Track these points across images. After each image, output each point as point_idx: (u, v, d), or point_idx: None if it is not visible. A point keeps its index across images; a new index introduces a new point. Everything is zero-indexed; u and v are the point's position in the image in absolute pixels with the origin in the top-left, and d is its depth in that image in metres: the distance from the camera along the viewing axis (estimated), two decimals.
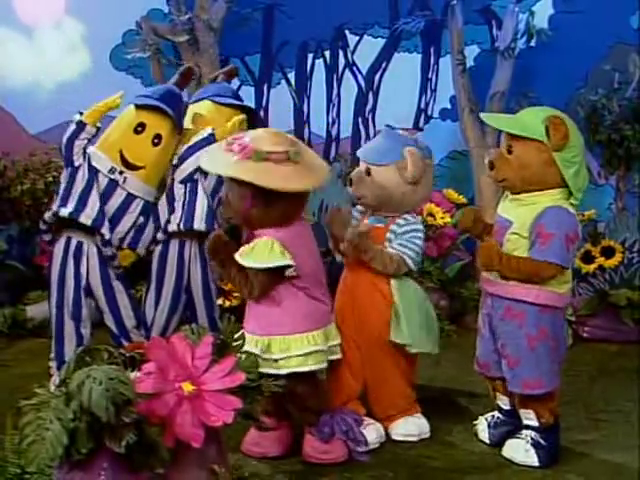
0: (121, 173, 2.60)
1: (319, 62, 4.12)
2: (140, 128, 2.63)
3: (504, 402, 2.36)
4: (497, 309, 2.27)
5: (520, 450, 2.23)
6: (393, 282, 2.36)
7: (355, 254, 2.33)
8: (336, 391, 2.34)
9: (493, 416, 2.37)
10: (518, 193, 2.25)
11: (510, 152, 2.24)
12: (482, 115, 2.49)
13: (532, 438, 2.24)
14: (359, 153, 2.48)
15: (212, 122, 2.72)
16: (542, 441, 2.23)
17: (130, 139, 2.62)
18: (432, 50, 4.04)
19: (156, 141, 2.63)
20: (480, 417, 2.40)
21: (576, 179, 2.22)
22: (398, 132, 2.45)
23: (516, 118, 2.31)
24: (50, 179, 3.71)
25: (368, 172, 2.38)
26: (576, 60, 3.71)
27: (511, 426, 2.33)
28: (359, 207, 2.48)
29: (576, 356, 3.18)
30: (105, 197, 2.60)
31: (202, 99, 2.86)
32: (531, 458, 2.22)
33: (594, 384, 2.91)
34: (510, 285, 2.21)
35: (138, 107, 2.66)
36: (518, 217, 2.22)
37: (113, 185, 2.61)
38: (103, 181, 2.61)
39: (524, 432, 2.27)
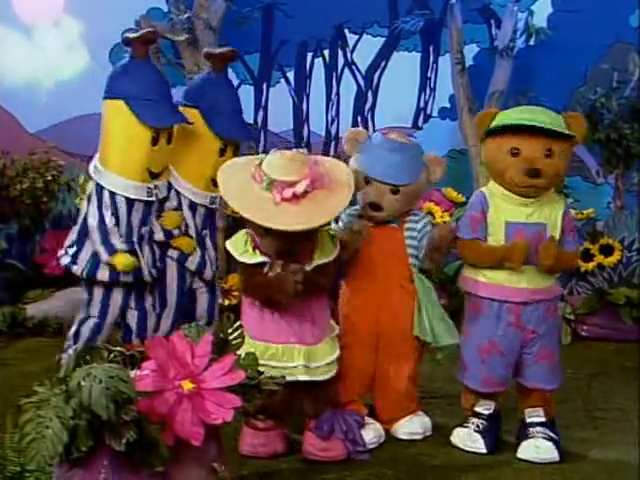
0: (155, 187, 2.56)
1: (318, 61, 4.13)
2: (156, 136, 2.49)
3: (486, 407, 2.33)
4: (534, 312, 2.25)
5: (541, 449, 2.22)
6: (416, 279, 2.36)
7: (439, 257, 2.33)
8: (341, 391, 2.33)
9: (477, 425, 2.32)
10: (531, 197, 2.23)
11: (548, 155, 2.20)
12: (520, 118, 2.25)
13: (546, 434, 2.24)
14: (374, 173, 2.30)
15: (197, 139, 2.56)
16: (554, 435, 2.25)
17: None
18: (431, 49, 4.05)
19: (169, 137, 2.54)
20: (458, 429, 2.33)
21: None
22: (406, 143, 2.38)
23: (549, 117, 2.22)
24: (49, 178, 3.71)
25: (394, 192, 2.31)
26: (575, 59, 3.73)
27: (497, 429, 2.33)
28: (355, 209, 2.42)
29: (575, 354, 3.19)
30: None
31: (116, 96, 2.52)
32: (552, 454, 2.22)
33: (593, 382, 2.91)
34: (550, 286, 2.27)
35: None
36: (549, 218, 2.24)
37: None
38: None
39: (532, 430, 2.26)
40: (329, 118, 4.11)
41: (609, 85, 3.71)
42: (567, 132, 2.19)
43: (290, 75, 4.15)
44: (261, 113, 4.14)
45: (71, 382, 1.54)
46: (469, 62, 3.85)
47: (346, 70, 4.12)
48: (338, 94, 4.11)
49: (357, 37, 4.09)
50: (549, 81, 3.80)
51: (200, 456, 1.72)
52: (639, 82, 3.77)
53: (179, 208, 2.64)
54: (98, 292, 2.58)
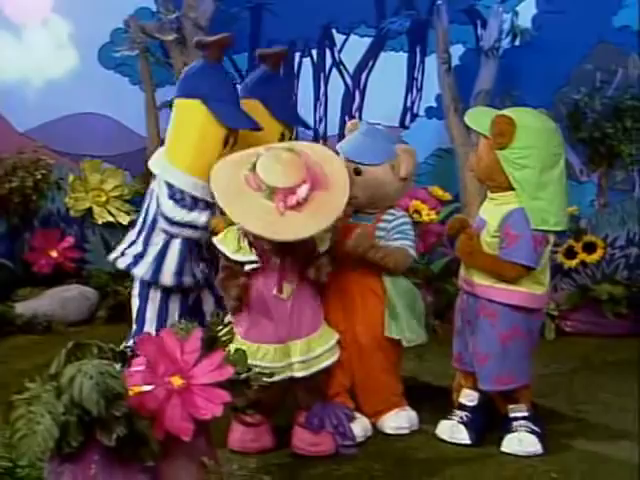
0: None
1: (306, 61, 4.13)
2: (228, 138, 2.53)
3: (470, 398, 2.37)
4: (472, 306, 2.31)
5: (524, 442, 2.25)
6: (385, 278, 2.38)
7: (366, 256, 2.30)
8: (326, 385, 2.35)
9: (461, 417, 2.35)
10: (496, 192, 2.29)
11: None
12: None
13: (529, 428, 2.27)
14: (344, 152, 2.38)
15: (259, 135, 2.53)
16: (537, 428, 2.28)
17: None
18: (418, 49, 4.07)
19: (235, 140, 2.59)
20: (443, 421, 2.36)
21: (526, 184, 2.20)
22: (381, 129, 2.47)
23: (479, 113, 2.38)
24: (39, 177, 3.71)
25: (357, 172, 2.34)
26: (559, 59, 3.75)
27: (482, 421, 2.36)
28: None
29: (558, 349, 3.23)
30: None
31: (191, 96, 2.57)
32: (535, 447, 2.25)
33: (576, 376, 2.95)
34: (484, 285, 2.27)
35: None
36: (491, 217, 2.27)
37: None
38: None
39: (515, 424, 2.29)
40: (317, 117, 4.12)
41: (592, 85, 3.73)
42: (472, 126, 2.32)
43: None
44: None
45: (62, 378, 1.55)
46: (455, 62, 3.86)
47: (334, 70, 4.13)
48: (326, 94, 4.12)
49: (344, 37, 4.10)
50: (534, 81, 3.82)
51: (190, 451, 1.72)
52: (624, 81, 3.80)
53: None
54: (154, 297, 2.57)
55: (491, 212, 2.29)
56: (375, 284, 2.39)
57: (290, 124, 2.79)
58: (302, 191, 2.02)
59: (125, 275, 3.75)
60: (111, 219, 3.84)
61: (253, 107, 2.63)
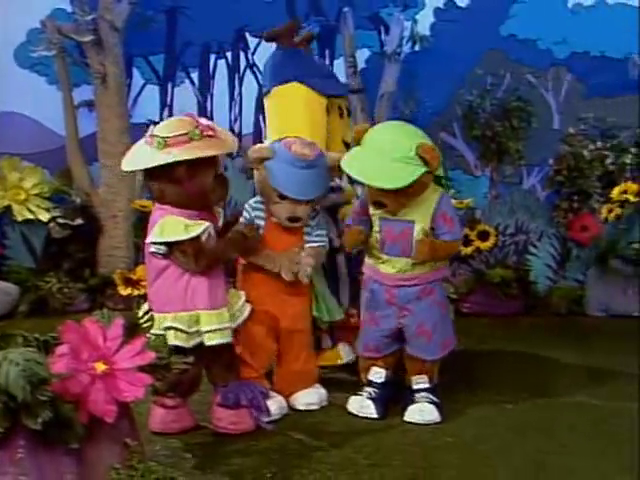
0: None
1: (221, 62, 4.17)
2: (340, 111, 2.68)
3: (379, 376, 2.49)
4: (408, 296, 2.40)
5: (424, 412, 2.39)
6: None
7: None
8: (246, 367, 2.42)
9: (369, 393, 2.46)
10: (415, 197, 2.35)
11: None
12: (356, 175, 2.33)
13: (429, 398, 2.42)
14: (297, 195, 2.37)
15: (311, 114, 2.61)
16: (436, 399, 2.43)
17: (340, 123, 2.69)
18: (327, 53, 4.17)
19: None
20: (353, 397, 2.47)
21: (444, 179, 2.46)
22: (314, 158, 2.39)
23: (393, 169, 2.25)
24: None
25: (309, 201, 2.42)
26: (454, 64, 3.93)
27: (388, 396, 2.48)
28: (256, 201, 2.47)
29: (458, 329, 3.39)
30: None
31: (287, 80, 2.65)
32: (434, 415, 2.39)
33: (471, 352, 3.10)
34: (425, 272, 2.40)
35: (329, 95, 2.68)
36: (418, 215, 2.36)
37: None
38: None
39: (417, 395, 2.43)
40: (232, 116, 4.17)
41: (483, 88, 3.93)
42: (399, 185, 2.23)
43: (194, 75, 4.18)
44: (166, 111, 4.15)
45: None
46: (361, 65, 3.99)
47: (248, 71, 4.19)
48: (240, 94, 4.17)
49: (257, 40, 4.15)
50: (432, 84, 3.99)
51: (113, 433, 1.75)
52: (511, 85, 4.02)
53: None
54: None
55: (413, 212, 2.35)
56: None
57: (339, 95, 2.74)
58: (194, 133, 2.12)
59: (46, 270, 3.70)
60: (31, 216, 3.76)
61: (295, 90, 2.64)
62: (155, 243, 2.19)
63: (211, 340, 2.20)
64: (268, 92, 2.71)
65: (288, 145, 2.39)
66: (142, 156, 2.17)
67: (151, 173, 2.18)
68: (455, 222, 2.42)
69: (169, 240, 2.16)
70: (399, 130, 2.36)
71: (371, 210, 2.41)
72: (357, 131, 2.39)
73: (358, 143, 2.36)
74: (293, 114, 2.62)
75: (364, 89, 3.40)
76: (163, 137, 2.12)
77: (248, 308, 2.33)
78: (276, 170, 2.36)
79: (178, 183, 2.14)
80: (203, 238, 2.19)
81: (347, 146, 2.62)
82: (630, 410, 2.45)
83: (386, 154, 2.26)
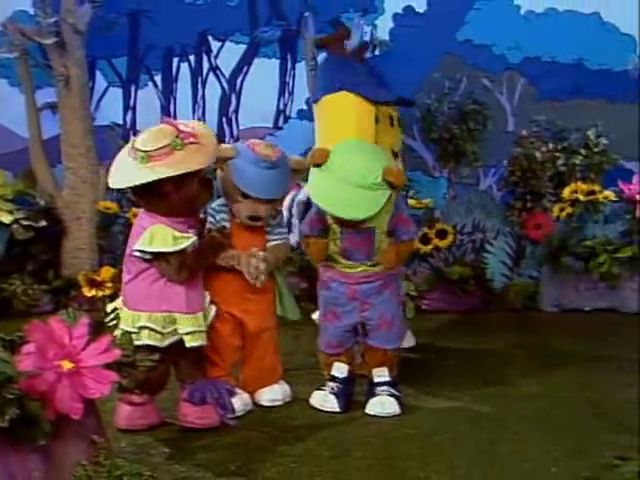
0: None
1: (184, 65, 4.18)
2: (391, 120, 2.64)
3: (341, 371, 2.54)
4: (369, 290, 2.46)
5: (385, 404, 2.45)
6: None
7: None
8: (213, 365, 2.44)
9: (332, 387, 2.51)
10: None
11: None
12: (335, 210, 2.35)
13: (390, 392, 2.47)
14: (261, 194, 2.39)
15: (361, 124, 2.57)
16: (396, 392, 2.49)
17: (389, 132, 2.64)
18: (289, 56, 4.22)
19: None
20: (316, 392, 2.52)
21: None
22: (276, 159, 2.41)
23: (361, 198, 2.28)
24: None
25: (271, 201, 2.44)
26: (413, 68, 4.01)
27: (350, 391, 2.54)
28: (220, 204, 2.48)
29: (417, 325, 3.46)
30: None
31: (337, 88, 2.61)
32: (394, 408, 2.45)
33: (429, 347, 3.18)
34: (388, 270, 2.46)
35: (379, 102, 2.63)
36: (377, 222, 2.41)
37: None
38: None
39: (379, 389, 2.48)
40: (195, 119, 4.18)
41: (441, 91, 4.01)
42: (369, 214, 2.30)
43: (158, 78, 4.18)
44: (130, 114, 4.14)
45: None
46: None
47: (211, 74, 4.21)
48: (204, 97, 4.19)
49: (220, 44, 4.18)
50: (392, 87, 4.02)
51: (80, 430, 1.77)
52: (467, 88, 4.12)
53: None
54: None
55: (373, 219, 2.38)
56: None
57: (389, 103, 2.70)
58: (186, 127, 2.14)
59: (10, 272, 3.67)
60: None
61: (344, 99, 2.60)
62: (142, 251, 2.21)
63: (191, 342, 2.24)
64: (317, 100, 2.70)
65: (252, 146, 2.42)
66: (127, 172, 2.16)
67: (136, 188, 2.19)
68: (410, 221, 2.52)
69: (156, 251, 2.19)
70: (364, 156, 2.36)
71: (330, 220, 2.44)
72: (316, 156, 2.35)
73: (318, 166, 2.34)
74: (342, 123, 2.61)
75: (413, 102, 3.42)
76: (145, 151, 2.12)
77: (213, 309, 2.37)
78: (240, 169, 2.38)
79: (165, 196, 2.17)
80: (188, 250, 2.22)
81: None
82: (578, 399, 2.54)
83: (353, 183, 2.28)
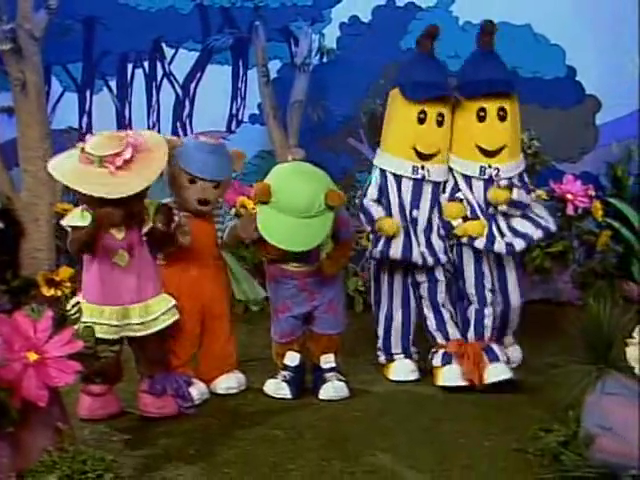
0: (423, 168, 2.67)
1: (139, 71, 4.23)
2: (422, 116, 2.67)
3: (293, 359, 2.64)
4: (318, 282, 2.59)
5: (337, 388, 2.58)
6: (224, 253, 2.63)
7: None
8: (173, 354, 2.53)
9: (284, 376, 2.62)
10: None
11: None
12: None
13: (338, 377, 2.60)
14: (208, 176, 2.50)
15: None
16: (342, 377, 2.62)
17: (477, 127, 2.69)
18: (241, 63, 4.30)
19: (440, 120, 2.69)
20: (269, 380, 2.63)
21: None
22: (218, 144, 2.59)
23: (310, 227, 2.40)
24: None
25: (216, 186, 2.54)
26: (359, 75, 4.13)
27: (301, 378, 2.65)
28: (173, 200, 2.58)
29: (364, 319, 3.56)
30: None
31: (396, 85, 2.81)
32: (345, 391, 2.58)
33: (375, 338, 3.33)
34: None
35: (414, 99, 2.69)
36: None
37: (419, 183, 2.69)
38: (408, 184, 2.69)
39: (328, 375, 2.60)
40: (150, 123, 4.24)
41: (386, 97, 4.15)
42: (318, 242, 2.42)
43: (113, 84, 4.22)
44: (85, 118, 4.17)
45: None
46: (273, 75, 4.13)
47: (165, 80, 4.27)
48: (158, 102, 4.24)
49: (174, 51, 4.24)
50: (340, 93, 4.19)
51: (46, 418, 1.84)
52: None
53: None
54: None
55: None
56: (215, 257, 2.61)
57: (426, 101, 2.69)
58: (126, 152, 2.22)
59: None
60: None
61: (394, 95, 2.81)
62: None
63: (143, 331, 2.33)
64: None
65: (196, 136, 2.63)
66: (89, 177, 2.21)
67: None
68: (349, 220, 2.68)
69: (66, 224, 2.32)
70: (307, 186, 2.42)
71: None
72: (259, 193, 2.41)
73: (264, 202, 2.40)
74: (388, 120, 2.82)
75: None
76: (99, 156, 2.20)
77: (172, 301, 2.43)
78: (185, 155, 2.51)
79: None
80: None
81: (483, 152, 2.69)
82: (511, 381, 2.71)
83: (300, 214, 2.39)
